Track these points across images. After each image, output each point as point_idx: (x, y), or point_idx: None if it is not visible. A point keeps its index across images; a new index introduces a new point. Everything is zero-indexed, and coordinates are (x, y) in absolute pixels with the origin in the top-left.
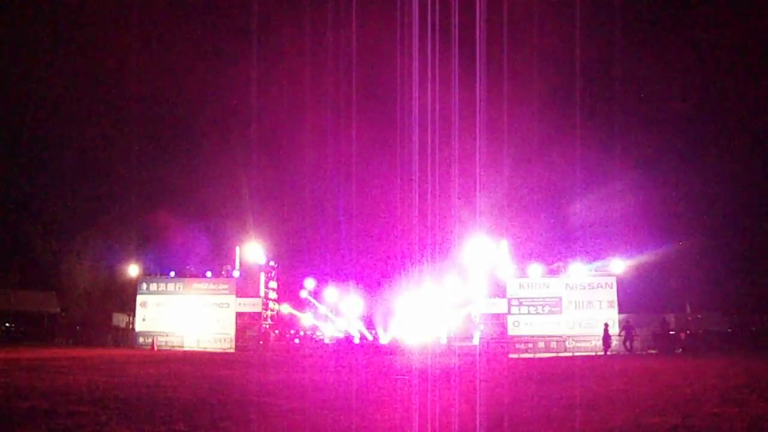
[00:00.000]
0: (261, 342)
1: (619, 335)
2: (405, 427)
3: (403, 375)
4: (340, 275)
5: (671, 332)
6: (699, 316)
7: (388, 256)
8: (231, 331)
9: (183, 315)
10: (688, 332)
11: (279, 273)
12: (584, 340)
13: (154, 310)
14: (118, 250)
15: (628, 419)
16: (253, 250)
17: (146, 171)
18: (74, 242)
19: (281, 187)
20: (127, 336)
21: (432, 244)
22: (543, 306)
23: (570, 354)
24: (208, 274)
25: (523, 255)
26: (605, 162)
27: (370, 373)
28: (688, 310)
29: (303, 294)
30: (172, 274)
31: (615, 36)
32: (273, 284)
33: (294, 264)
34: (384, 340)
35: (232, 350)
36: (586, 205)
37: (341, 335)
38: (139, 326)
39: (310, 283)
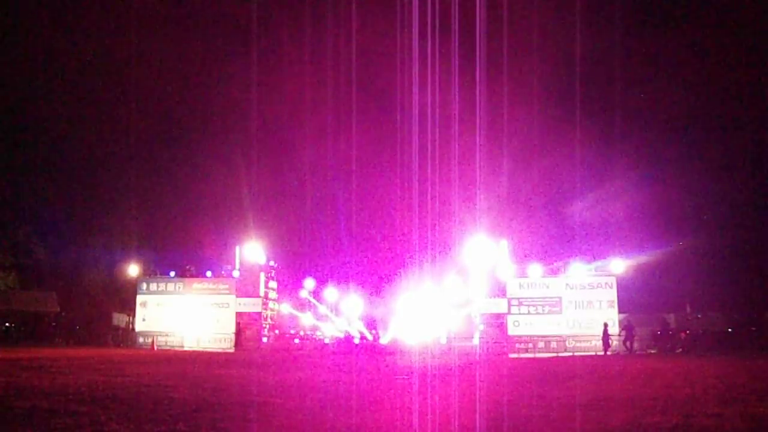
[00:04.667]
0: (266, 339)
1: (619, 335)
2: (405, 427)
3: (403, 375)
4: (340, 275)
5: (671, 332)
6: (699, 316)
7: (388, 256)
8: (231, 331)
9: (183, 315)
10: (688, 332)
11: (279, 273)
12: (584, 340)
13: (154, 310)
14: (118, 250)
15: (628, 419)
16: (253, 250)
17: (147, 171)
18: (74, 242)
19: (281, 187)
20: (127, 336)
21: (432, 244)
22: (543, 306)
23: (570, 354)
24: (208, 274)
25: (523, 255)
26: (605, 162)
27: (370, 373)
28: (688, 310)
29: (303, 294)
30: (172, 274)
31: (615, 36)
32: (273, 284)
33: (294, 264)
34: (384, 340)
35: (232, 350)
36: (586, 205)
37: (341, 335)
38: (139, 326)
39: (310, 283)
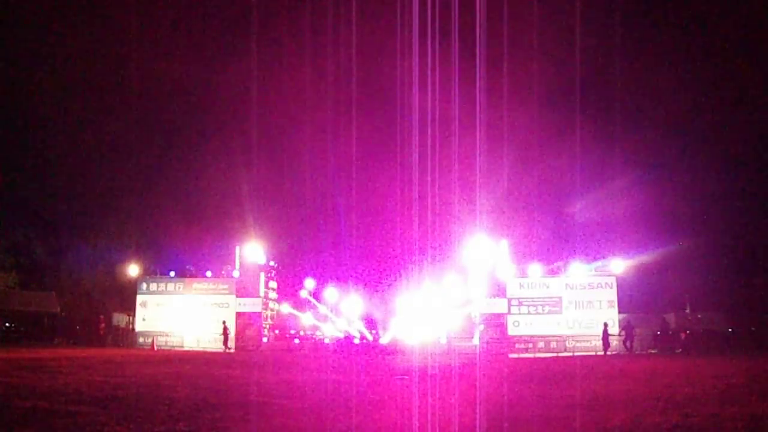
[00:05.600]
0: (266, 339)
1: (619, 335)
2: (405, 427)
3: (403, 375)
4: (340, 275)
5: (671, 332)
6: (699, 316)
7: (388, 256)
8: (231, 331)
9: (183, 315)
10: (688, 332)
11: (279, 273)
12: (584, 340)
13: (154, 310)
14: (118, 250)
15: (628, 419)
16: (253, 250)
17: (146, 171)
18: (74, 242)
19: (281, 187)
20: (127, 336)
21: (432, 244)
22: (543, 306)
23: (570, 354)
24: (208, 274)
25: (523, 255)
26: (605, 162)
27: (370, 373)
28: (688, 310)
29: (303, 294)
30: (172, 274)
31: (615, 36)
32: (273, 284)
33: (294, 264)
34: (384, 340)
35: (232, 350)
36: (586, 205)
37: (341, 335)
38: (139, 326)
39: (310, 283)
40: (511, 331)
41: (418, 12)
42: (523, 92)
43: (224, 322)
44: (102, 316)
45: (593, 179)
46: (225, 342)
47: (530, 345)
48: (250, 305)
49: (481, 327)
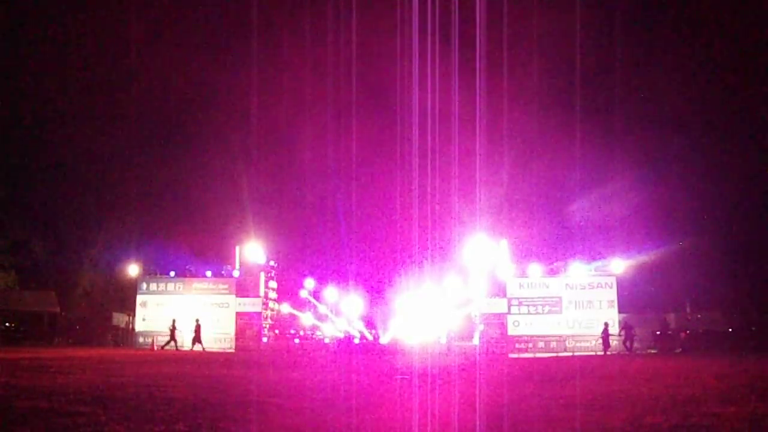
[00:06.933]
0: (266, 339)
1: (619, 335)
2: (405, 427)
3: (403, 375)
4: (340, 275)
5: (671, 332)
6: (699, 316)
7: (388, 256)
8: (231, 331)
9: (183, 315)
10: (688, 332)
11: (279, 273)
12: (584, 340)
13: (154, 310)
14: (118, 250)
15: (628, 419)
16: (253, 250)
17: (146, 171)
18: (74, 242)
19: (281, 187)
20: (127, 336)
21: (432, 244)
22: (543, 306)
23: (570, 354)
24: (208, 274)
25: (523, 255)
26: (605, 162)
27: (370, 373)
28: (688, 310)
29: (303, 294)
30: (172, 274)
31: (615, 36)
32: (273, 284)
33: (294, 264)
34: (384, 340)
35: (232, 350)
36: (586, 205)
37: (341, 335)
38: (139, 326)
39: (310, 283)
40: (511, 331)
41: (418, 12)
42: (523, 92)
43: (197, 320)
44: (174, 319)
45: (593, 179)
46: (195, 340)
47: (530, 345)
48: (250, 305)
49: (481, 327)
